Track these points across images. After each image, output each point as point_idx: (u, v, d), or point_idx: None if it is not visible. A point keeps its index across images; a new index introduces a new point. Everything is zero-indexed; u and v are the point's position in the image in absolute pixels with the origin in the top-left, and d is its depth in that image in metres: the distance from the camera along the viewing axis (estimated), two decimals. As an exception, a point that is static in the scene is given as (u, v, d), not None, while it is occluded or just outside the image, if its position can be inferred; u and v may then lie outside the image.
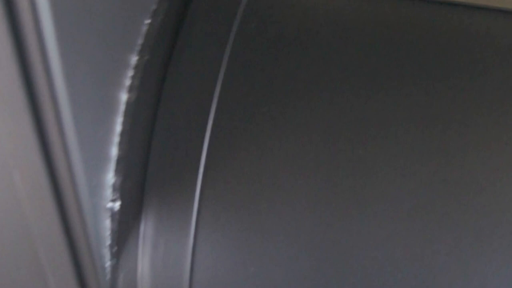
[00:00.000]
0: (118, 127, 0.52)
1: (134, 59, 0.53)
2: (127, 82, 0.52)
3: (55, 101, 0.41)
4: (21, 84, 0.40)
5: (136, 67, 0.53)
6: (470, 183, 0.50)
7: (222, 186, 0.51)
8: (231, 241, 0.51)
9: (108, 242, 0.56)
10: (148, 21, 0.56)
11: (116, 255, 0.57)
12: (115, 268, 0.58)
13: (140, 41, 0.54)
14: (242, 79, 0.53)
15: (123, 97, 0.52)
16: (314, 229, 0.50)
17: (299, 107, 0.53)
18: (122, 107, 0.52)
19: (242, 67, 0.54)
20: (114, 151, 0.53)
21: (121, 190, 0.54)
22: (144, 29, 0.56)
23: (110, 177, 0.53)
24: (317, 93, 0.53)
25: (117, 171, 0.53)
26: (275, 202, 0.51)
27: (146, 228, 0.56)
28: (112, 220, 0.55)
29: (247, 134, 0.52)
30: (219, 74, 0.53)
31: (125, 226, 0.56)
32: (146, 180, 0.54)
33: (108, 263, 0.58)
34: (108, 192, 0.53)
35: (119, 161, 0.53)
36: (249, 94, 0.53)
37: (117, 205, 0.54)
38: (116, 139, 0.53)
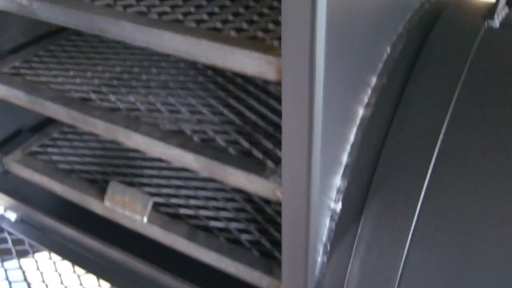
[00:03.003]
0: (352, 138, 0.60)
1: (373, 80, 0.61)
2: (366, 99, 0.60)
3: (312, 104, 0.49)
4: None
5: (375, 88, 0.60)
6: None
7: (445, 202, 0.55)
8: (445, 254, 0.55)
9: (324, 238, 0.63)
10: (388, 49, 0.64)
11: (329, 253, 0.64)
12: (325, 265, 0.64)
13: (380, 65, 0.62)
14: (474, 108, 0.57)
15: (360, 112, 0.60)
16: None
17: None
18: (357, 121, 0.60)
19: (475, 99, 0.58)
20: (345, 158, 0.60)
21: (345, 193, 0.61)
22: (385, 56, 0.63)
23: (337, 180, 0.60)
24: None
25: (344, 176, 0.60)
26: (494, 228, 0.54)
27: (363, 232, 0.61)
28: (332, 219, 0.62)
29: (477, 159, 0.55)
30: (452, 101, 0.57)
31: (343, 227, 0.62)
32: (370, 188, 0.60)
33: (319, 259, 0.64)
34: (333, 194, 0.61)
35: (347, 167, 0.60)
36: (480, 122, 0.56)
37: (338, 206, 0.61)
38: (348, 148, 0.60)
